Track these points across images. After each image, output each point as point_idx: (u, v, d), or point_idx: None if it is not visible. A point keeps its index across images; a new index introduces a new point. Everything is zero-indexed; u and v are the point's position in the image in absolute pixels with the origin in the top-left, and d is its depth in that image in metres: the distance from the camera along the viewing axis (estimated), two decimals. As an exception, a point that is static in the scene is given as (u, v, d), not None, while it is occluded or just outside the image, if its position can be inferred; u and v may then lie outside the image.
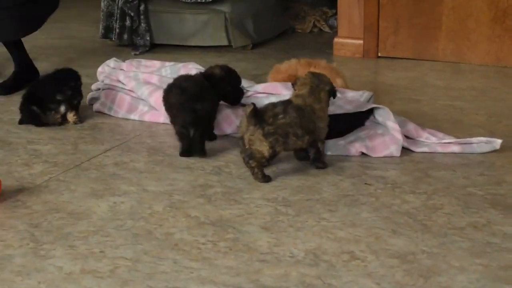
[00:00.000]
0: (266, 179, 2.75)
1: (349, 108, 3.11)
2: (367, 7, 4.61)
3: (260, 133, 2.69)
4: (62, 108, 3.36)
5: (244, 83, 3.34)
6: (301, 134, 2.75)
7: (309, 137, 2.79)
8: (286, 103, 2.78)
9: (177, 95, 2.94)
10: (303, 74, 3.10)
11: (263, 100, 3.18)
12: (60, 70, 3.52)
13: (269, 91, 3.30)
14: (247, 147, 2.72)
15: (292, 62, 3.51)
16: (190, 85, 2.96)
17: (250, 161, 2.73)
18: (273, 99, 3.00)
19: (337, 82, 3.34)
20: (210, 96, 3.00)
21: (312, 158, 2.87)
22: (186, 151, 2.97)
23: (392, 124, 3.01)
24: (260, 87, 3.35)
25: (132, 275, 2.13)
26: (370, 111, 3.13)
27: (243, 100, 3.24)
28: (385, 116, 3.05)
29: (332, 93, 2.89)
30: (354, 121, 3.13)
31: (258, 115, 2.69)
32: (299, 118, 2.74)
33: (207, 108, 2.96)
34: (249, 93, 3.32)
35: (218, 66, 3.21)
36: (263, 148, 2.70)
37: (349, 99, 3.20)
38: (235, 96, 3.20)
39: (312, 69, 3.32)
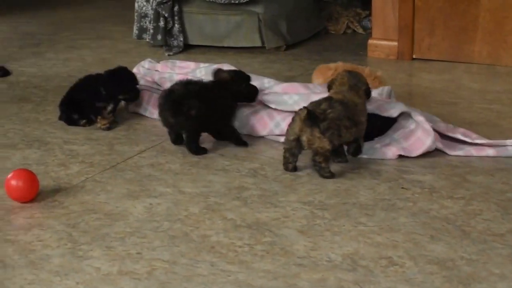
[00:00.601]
0: (332, 174, 2.78)
1: (370, 108, 3.09)
2: (402, 8, 4.57)
3: (318, 131, 2.73)
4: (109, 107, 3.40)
5: (264, 81, 3.39)
6: (350, 125, 2.81)
7: (355, 129, 2.84)
8: (328, 99, 2.83)
9: (162, 98, 3.03)
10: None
11: (281, 97, 3.21)
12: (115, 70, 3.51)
13: (289, 91, 3.29)
14: (305, 148, 2.76)
15: (339, 65, 3.50)
16: (178, 88, 3.03)
17: (316, 157, 2.76)
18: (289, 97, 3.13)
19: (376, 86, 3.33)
20: (202, 99, 3.01)
21: (352, 152, 2.91)
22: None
23: (418, 116, 2.98)
24: (280, 87, 3.35)
25: (169, 277, 2.13)
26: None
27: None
28: (411, 113, 3.04)
29: (367, 93, 2.93)
30: (382, 125, 3.10)
31: (312, 116, 2.72)
32: (344, 110, 2.80)
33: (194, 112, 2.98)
34: (266, 91, 3.32)
35: (224, 70, 3.24)
36: (324, 143, 2.74)
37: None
38: (249, 95, 3.22)
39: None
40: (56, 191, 2.71)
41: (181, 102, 2.99)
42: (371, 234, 2.37)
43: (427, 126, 2.97)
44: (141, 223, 2.46)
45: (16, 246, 2.30)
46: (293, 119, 2.80)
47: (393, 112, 3.07)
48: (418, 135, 2.99)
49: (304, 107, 2.76)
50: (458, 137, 3.03)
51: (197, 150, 3.06)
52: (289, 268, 2.17)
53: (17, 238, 2.36)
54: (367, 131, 2.96)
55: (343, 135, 2.82)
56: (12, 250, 2.28)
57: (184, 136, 3.08)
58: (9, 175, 2.62)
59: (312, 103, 2.83)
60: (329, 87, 2.97)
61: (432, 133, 2.96)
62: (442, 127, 3.08)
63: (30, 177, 2.62)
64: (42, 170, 2.88)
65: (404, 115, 3.09)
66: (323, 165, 2.78)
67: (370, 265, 2.18)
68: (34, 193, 2.63)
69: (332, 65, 3.57)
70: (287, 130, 2.82)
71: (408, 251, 2.26)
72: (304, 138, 2.76)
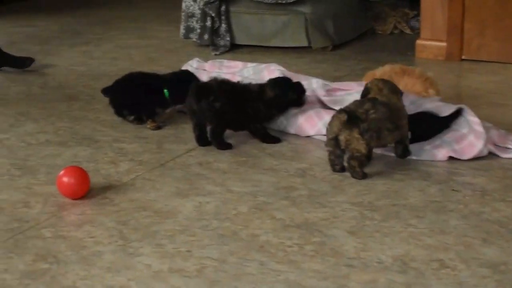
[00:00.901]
0: (365, 175, 2.78)
1: (428, 107, 3.06)
2: (451, 8, 4.51)
3: (357, 132, 2.71)
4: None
5: (313, 81, 3.42)
6: (392, 128, 2.80)
7: (397, 132, 2.83)
8: (372, 100, 2.81)
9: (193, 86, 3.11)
10: (397, 81, 3.13)
11: (344, 97, 3.22)
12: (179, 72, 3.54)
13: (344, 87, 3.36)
14: (343, 147, 2.74)
15: (386, 68, 3.45)
16: (212, 82, 3.12)
17: (351, 161, 2.74)
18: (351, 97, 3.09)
19: (430, 93, 3.28)
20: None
21: (400, 154, 2.91)
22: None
23: (472, 118, 2.94)
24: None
25: (218, 276, 2.13)
26: (454, 116, 3.06)
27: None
28: (466, 113, 3.00)
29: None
30: (437, 125, 3.06)
31: (352, 117, 2.70)
32: (388, 113, 2.78)
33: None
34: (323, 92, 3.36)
35: (270, 87, 3.20)
36: (360, 146, 2.72)
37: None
38: (296, 102, 3.24)
39: (406, 78, 3.29)
40: (107, 188, 2.74)
41: (209, 91, 3.03)
42: (421, 236, 2.34)
43: (480, 128, 2.92)
44: (190, 222, 2.47)
45: (69, 242, 2.33)
46: (332, 119, 2.78)
47: (448, 109, 3.04)
48: (470, 139, 2.95)
49: (343, 111, 2.74)
50: (509, 147, 2.98)
51: (220, 144, 3.09)
52: (339, 269, 2.16)
53: (69, 234, 2.39)
54: (421, 132, 2.93)
55: (383, 137, 2.79)
56: (65, 246, 2.31)
57: (208, 129, 3.11)
58: (61, 172, 2.66)
59: (355, 102, 2.81)
60: (365, 95, 2.94)
61: (484, 136, 2.92)
62: (494, 134, 3.02)
63: (81, 174, 2.66)
64: (93, 168, 2.92)
65: (458, 119, 3.04)
66: (357, 169, 2.76)
67: (421, 268, 2.16)
68: (85, 190, 2.66)
69: (378, 71, 3.50)
70: (327, 129, 2.80)
71: (459, 254, 2.23)
72: (342, 138, 2.73)
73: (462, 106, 3.05)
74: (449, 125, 3.07)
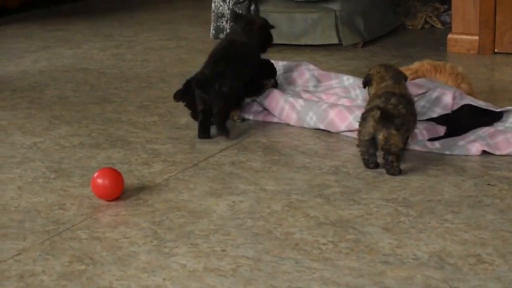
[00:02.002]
0: (400, 171, 2.77)
1: (481, 104, 3.04)
2: (483, 1, 4.46)
3: (394, 128, 2.70)
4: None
5: (344, 78, 3.56)
6: (414, 120, 2.83)
7: (415, 124, 2.87)
8: (391, 93, 2.79)
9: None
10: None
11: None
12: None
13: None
14: (381, 146, 2.72)
15: (416, 66, 3.41)
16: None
17: (390, 157, 2.73)
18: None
19: (462, 88, 3.25)
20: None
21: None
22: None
23: None
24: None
25: (254, 275, 2.13)
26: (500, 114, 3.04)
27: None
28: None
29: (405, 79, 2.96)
30: (490, 117, 3.04)
31: (386, 114, 2.69)
32: (409, 104, 2.80)
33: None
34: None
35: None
36: (398, 142, 2.72)
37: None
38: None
39: (438, 75, 3.26)
40: (140, 189, 2.76)
41: (215, 78, 3.18)
42: (457, 232, 2.32)
43: None
44: (224, 221, 2.47)
45: (104, 243, 2.35)
46: (364, 119, 2.76)
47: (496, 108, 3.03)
48: (507, 136, 2.91)
49: (376, 108, 2.71)
50: None
51: (226, 128, 3.20)
52: (375, 266, 2.14)
53: (104, 235, 2.41)
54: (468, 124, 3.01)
55: (411, 129, 2.82)
56: (100, 247, 2.33)
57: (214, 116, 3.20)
58: (95, 174, 2.68)
59: (379, 99, 2.78)
60: (366, 84, 2.94)
61: None
62: None
63: (115, 175, 2.67)
64: (126, 169, 2.94)
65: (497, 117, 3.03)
66: (395, 164, 2.74)
67: (458, 263, 2.14)
68: (120, 192, 2.68)
69: (413, 66, 3.47)
70: (359, 131, 2.78)
71: (497, 249, 2.20)
72: (380, 137, 2.71)
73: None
74: (500, 118, 3.04)
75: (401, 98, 2.77)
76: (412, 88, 3.11)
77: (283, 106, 3.35)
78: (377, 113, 2.70)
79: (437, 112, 3.08)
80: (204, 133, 3.23)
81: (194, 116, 3.38)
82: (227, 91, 3.18)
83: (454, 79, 3.30)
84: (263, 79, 3.46)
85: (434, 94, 3.10)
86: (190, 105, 3.38)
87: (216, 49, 3.40)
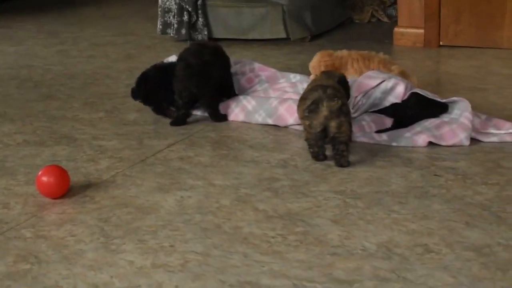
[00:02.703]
0: (349, 162, 2.79)
1: (429, 94, 3.09)
2: (427, -5, 4.52)
3: (343, 115, 2.73)
4: None
5: (291, 76, 3.61)
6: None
7: None
8: (325, 86, 2.81)
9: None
10: (356, 67, 3.34)
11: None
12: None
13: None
14: (332, 134, 2.73)
15: (344, 52, 3.46)
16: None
17: (341, 146, 2.74)
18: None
19: (394, 71, 3.31)
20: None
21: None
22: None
23: (467, 114, 2.95)
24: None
25: (203, 269, 2.12)
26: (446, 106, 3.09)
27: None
28: (463, 108, 2.99)
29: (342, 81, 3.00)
30: (437, 109, 3.08)
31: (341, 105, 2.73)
32: (343, 96, 2.84)
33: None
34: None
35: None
36: (348, 128, 2.75)
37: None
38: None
39: (367, 62, 3.31)
40: (87, 186, 2.71)
41: (199, 71, 3.27)
42: (405, 222, 2.34)
43: (469, 124, 2.93)
44: (172, 216, 2.45)
45: (50, 242, 2.30)
46: (312, 110, 2.75)
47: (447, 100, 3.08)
48: (453, 127, 2.95)
49: (334, 97, 2.72)
50: (491, 132, 2.98)
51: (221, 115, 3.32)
52: (324, 258, 2.15)
53: (50, 233, 2.36)
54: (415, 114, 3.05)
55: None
56: (46, 245, 2.28)
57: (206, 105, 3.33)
58: (40, 172, 2.62)
59: (315, 91, 2.79)
60: None
61: (469, 130, 2.92)
62: (476, 123, 3.01)
63: (60, 173, 2.62)
64: (72, 166, 2.88)
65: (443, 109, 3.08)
66: (345, 153, 2.76)
67: (405, 253, 2.15)
68: (65, 189, 2.63)
69: (339, 53, 3.53)
70: (308, 124, 2.77)
71: (443, 238, 2.23)
72: (332, 125, 2.73)
73: (464, 99, 3.04)
74: (446, 111, 3.07)
75: (335, 89, 2.79)
76: (367, 80, 3.13)
77: (233, 109, 3.35)
78: (337, 103, 2.70)
79: (390, 101, 3.12)
80: (184, 123, 3.30)
81: (158, 110, 3.40)
82: (216, 80, 3.32)
83: (383, 66, 3.36)
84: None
85: (389, 85, 3.13)
86: (149, 102, 3.37)
87: (192, 46, 3.48)
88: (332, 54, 3.47)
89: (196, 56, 3.31)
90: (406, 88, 3.11)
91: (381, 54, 3.50)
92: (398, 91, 3.11)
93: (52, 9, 6.58)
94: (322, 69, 3.38)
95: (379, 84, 3.13)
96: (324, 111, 2.73)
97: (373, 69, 3.35)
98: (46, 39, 5.35)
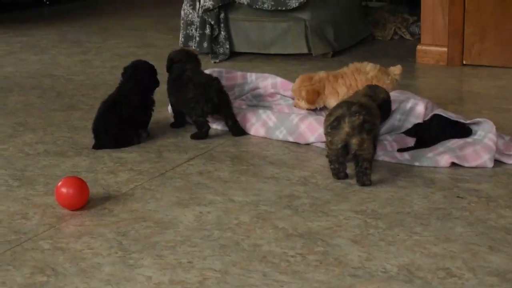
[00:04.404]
0: (371, 181, 2.77)
1: (451, 115, 3.05)
2: (452, 13, 4.48)
3: (365, 133, 2.70)
4: None
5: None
6: (373, 128, 2.80)
7: (376, 130, 2.89)
8: (351, 103, 2.79)
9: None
10: (330, 88, 3.35)
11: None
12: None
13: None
14: (353, 152, 2.72)
15: (321, 74, 3.42)
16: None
17: (364, 164, 2.72)
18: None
19: (370, 72, 3.35)
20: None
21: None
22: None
23: (491, 135, 2.91)
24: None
25: (221, 287, 2.09)
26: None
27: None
28: (487, 129, 2.96)
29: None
30: (461, 131, 3.04)
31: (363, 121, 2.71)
32: (369, 113, 2.79)
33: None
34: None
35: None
36: (370, 146, 2.72)
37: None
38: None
39: (340, 80, 3.35)
40: (106, 199, 2.70)
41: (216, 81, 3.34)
42: (427, 244, 2.30)
43: (493, 145, 2.89)
44: (191, 232, 2.42)
45: (67, 254, 2.29)
46: (335, 127, 2.74)
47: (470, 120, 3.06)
48: (476, 148, 2.91)
49: (356, 113, 2.70)
50: None
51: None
52: (344, 279, 2.11)
53: (68, 246, 2.35)
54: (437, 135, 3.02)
55: (376, 137, 2.85)
56: (63, 258, 2.27)
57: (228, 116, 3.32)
58: (59, 183, 2.61)
59: (341, 107, 2.76)
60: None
61: (493, 151, 2.88)
62: (500, 144, 2.97)
63: (80, 184, 2.61)
64: (92, 178, 2.87)
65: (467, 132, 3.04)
66: (368, 171, 2.74)
67: (427, 277, 2.12)
68: (84, 201, 2.62)
69: (316, 76, 3.47)
70: (330, 140, 2.75)
71: (466, 262, 2.19)
72: (354, 141, 2.70)
73: (488, 120, 3.01)
74: (470, 135, 3.04)
75: (362, 106, 2.76)
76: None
77: (253, 123, 3.33)
78: (358, 119, 2.68)
79: (412, 122, 3.09)
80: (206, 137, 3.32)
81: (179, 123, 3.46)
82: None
83: (359, 74, 3.33)
84: None
85: (408, 105, 3.10)
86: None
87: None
88: (311, 77, 3.42)
89: (197, 73, 3.36)
90: (426, 108, 3.08)
91: (351, 65, 3.43)
92: (418, 111, 3.08)
93: (75, 19, 6.62)
94: (303, 94, 3.35)
95: (397, 107, 3.11)
96: (345, 127, 2.71)
97: (351, 85, 3.32)
98: (69, 48, 5.37)
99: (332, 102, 3.33)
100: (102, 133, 3.20)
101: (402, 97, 3.16)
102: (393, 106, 3.08)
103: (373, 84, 3.13)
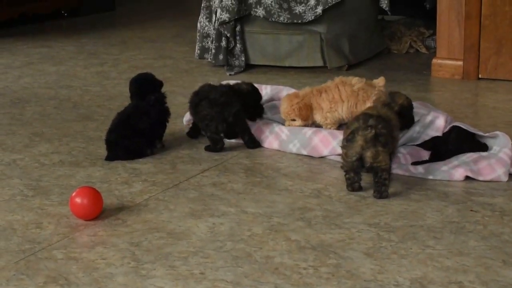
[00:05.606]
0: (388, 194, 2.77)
1: (470, 128, 3.07)
2: (467, 27, 4.48)
3: (380, 145, 2.70)
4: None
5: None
6: (392, 140, 2.81)
7: (395, 143, 2.91)
8: (369, 115, 2.79)
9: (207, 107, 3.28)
10: (314, 103, 3.32)
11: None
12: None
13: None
14: (368, 164, 2.71)
15: (306, 90, 3.40)
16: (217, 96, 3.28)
17: (383, 174, 2.72)
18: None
19: (355, 85, 3.32)
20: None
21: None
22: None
23: (506, 150, 2.90)
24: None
25: (232, 299, 2.09)
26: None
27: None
28: (502, 144, 2.95)
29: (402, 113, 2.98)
30: (477, 145, 3.04)
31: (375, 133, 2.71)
32: (388, 126, 2.79)
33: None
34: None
35: (245, 82, 3.52)
36: (387, 158, 2.72)
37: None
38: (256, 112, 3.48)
39: (324, 94, 3.31)
40: (120, 209, 2.71)
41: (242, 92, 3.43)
42: (440, 258, 2.29)
43: (508, 159, 2.89)
44: (204, 243, 2.43)
45: (80, 264, 2.31)
46: (349, 140, 2.74)
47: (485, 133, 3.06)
48: (491, 162, 2.90)
49: (368, 126, 2.70)
50: None
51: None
52: (355, 292, 2.11)
53: (81, 255, 2.36)
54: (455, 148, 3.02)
55: (393, 150, 2.86)
56: (76, 267, 2.28)
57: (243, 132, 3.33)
58: (74, 193, 2.63)
59: (357, 121, 2.77)
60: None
61: (508, 165, 2.87)
62: None
63: (94, 195, 2.63)
64: (106, 188, 2.89)
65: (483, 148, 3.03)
66: (387, 182, 2.74)
67: (439, 290, 2.11)
68: (98, 211, 2.63)
69: (300, 92, 3.44)
70: (345, 152, 2.76)
71: (479, 276, 2.18)
72: (368, 154, 2.71)
73: (504, 134, 3.01)
74: (487, 149, 3.03)
75: (379, 118, 2.76)
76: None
77: (267, 135, 3.34)
78: (370, 133, 2.69)
79: (430, 135, 3.10)
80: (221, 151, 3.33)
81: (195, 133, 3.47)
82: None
83: (343, 85, 3.31)
84: None
85: (428, 118, 3.11)
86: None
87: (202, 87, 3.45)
88: (298, 94, 3.40)
89: (213, 91, 3.31)
90: (446, 121, 3.09)
91: (336, 79, 3.39)
92: (438, 125, 3.08)
93: (93, 30, 6.68)
94: (296, 113, 3.33)
95: (418, 120, 3.11)
96: (359, 140, 2.71)
97: (334, 97, 3.30)
98: (86, 59, 5.42)
99: (318, 117, 3.33)
100: (114, 145, 3.22)
101: (424, 110, 3.16)
102: (415, 118, 3.08)
103: (394, 91, 3.08)
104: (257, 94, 3.50)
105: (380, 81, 3.39)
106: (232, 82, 3.58)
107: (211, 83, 3.44)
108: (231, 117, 3.24)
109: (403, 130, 3.07)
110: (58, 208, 2.73)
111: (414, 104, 3.16)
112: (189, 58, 5.32)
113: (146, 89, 3.36)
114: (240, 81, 3.59)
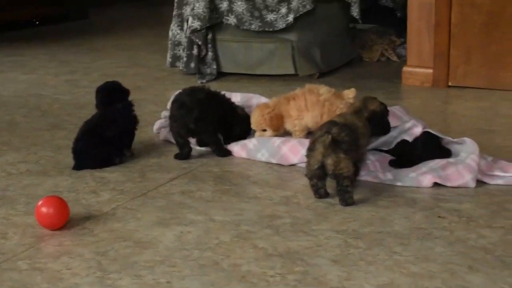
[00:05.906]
0: (354, 201, 2.76)
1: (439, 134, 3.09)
2: (437, 35, 4.52)
3: (341, 152, 2.70)
4: None
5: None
6: (356, 148, 2.80)
7: (360, 152, 2.88)
8: (334, 123, 2.80)
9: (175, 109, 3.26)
10: (284, 111, 3.31)
11: None
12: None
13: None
14: (330, 172, 2.71)
15: (275, 100, 3.41)
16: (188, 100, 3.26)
17: (344, 181, 2.72)
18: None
19: (323, 94, 3.31)
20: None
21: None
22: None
23: (474, 156, 2.92)
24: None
25: (198, 307, 2.08)
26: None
27: None
28: (470, 150, 2.97)
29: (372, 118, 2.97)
30: (443, 152, 3.06)
31: (334, 140, 2.70)
32: (351, 133, 2.78)
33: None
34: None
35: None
36: (349, 165, 2.72)
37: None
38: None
39: (292, 102, 3.32)
40: (86, 218, 2.69)
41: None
42: (406, 264, 2.30)
43: (475, 166, 2.91)
44: (171, 252, 2.41)
45: (45, 274, 2.28)
46: (311, 148, 2.75)
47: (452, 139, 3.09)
48: (459, 168, 2.92)
49: (326, 133, 2.71)
50: (497, 174, 2.95)
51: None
52: (322, 299, 2.11)
53: (46, 266, 2.33)
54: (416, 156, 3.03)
55: (360, 158, 2.88)
56: (41, 278, 2.25)
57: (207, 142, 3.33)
58: (39, 202, 2.60)
59: (322, 128, 2.78)
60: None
61: (475, 172, 2.89)
62: (482, 165, 2.98)
63: (60, 204, 2.60)
64: (73, 198, 2.87)
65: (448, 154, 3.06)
66: (350, 189, 2.74)
67: (405, 297, 2.11)
68: (64, 221, 2.61)
69: (270, 103, 3.44)
70: (308, 161, 2.76)
71: (445, 282, 2.18)
72: (329, 162, 2.70)
73: (471, 141, 3.04)
74: (450, 156, 3.05)
75: (344, 126, 2.77)
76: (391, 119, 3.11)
77: (233, 146, 3.34)
78: (327, 138, 2.69)
79: (402, 138, 3.11)
80: (188, 158, 3.32)
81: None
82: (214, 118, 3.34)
83: (311, 94, 3.32)
84: None
85: (407, 125, 3.13)
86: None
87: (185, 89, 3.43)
88: (268, 105, 3.40)
89: (189, 96, 3.29)
90: (423, 129, 3.12)
91: (307, 86, 3.39)
92: (414, 132, 3.10)
93: (66, 39, 6.64)
94: (268, 123, 3.32)
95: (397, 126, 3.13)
96: (319, 148, 2.71)
97: (300, 106, 3.30)
98: (57, 68, 5.39)
99: (288, 125, 3.33)
100: (81, 154, 3.19)
101: (405, 117, 3.17)
102: (394, 124, 3.09)
103: (369, 96, 3.07)
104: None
105: (350, 93, 3.38)
106: (227, 93, 3.54)
107: (206, 86, 3.43)
108: (192, 123, 3.22)
109: (379, 136, 3.08)
110: (24, 218, 2.70)
111: (396, 108, 3.18)
112: (162, 66, 5.30)
113: (113, 97, 3.34)
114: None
